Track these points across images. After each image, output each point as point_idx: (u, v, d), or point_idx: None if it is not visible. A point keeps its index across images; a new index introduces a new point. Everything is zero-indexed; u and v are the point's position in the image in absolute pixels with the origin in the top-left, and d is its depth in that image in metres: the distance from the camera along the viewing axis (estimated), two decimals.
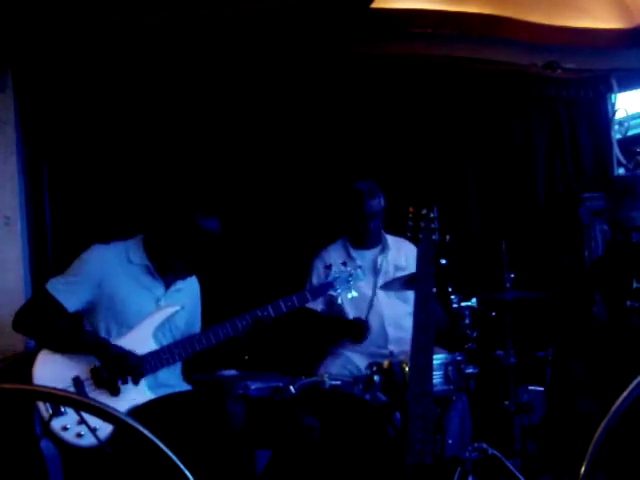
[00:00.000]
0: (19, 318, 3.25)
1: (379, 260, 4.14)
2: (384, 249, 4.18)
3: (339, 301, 3.68)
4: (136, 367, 3.17)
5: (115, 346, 3.18)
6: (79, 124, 4.54)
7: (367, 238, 4.13)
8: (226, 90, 4.71)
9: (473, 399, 3.79)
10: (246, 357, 3.57)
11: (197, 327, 3.55)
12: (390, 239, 4.19)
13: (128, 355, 3.16)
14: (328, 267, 3.66)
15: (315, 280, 4.05)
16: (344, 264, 3.68)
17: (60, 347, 3.17)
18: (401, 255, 4.16)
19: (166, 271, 3.39)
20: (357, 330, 4.00)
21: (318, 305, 4.05)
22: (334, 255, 4.12)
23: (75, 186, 4.53)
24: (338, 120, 4.88)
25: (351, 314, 4.07)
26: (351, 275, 3.60)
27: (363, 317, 4.03)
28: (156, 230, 3.39)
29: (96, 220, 4.46)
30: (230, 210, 4.56)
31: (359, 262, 4.03)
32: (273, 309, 3.39)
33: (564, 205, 5.08)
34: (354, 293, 3.62)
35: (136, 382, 3.17)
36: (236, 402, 3.16)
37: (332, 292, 3.61)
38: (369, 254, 4.18)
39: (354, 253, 4.16)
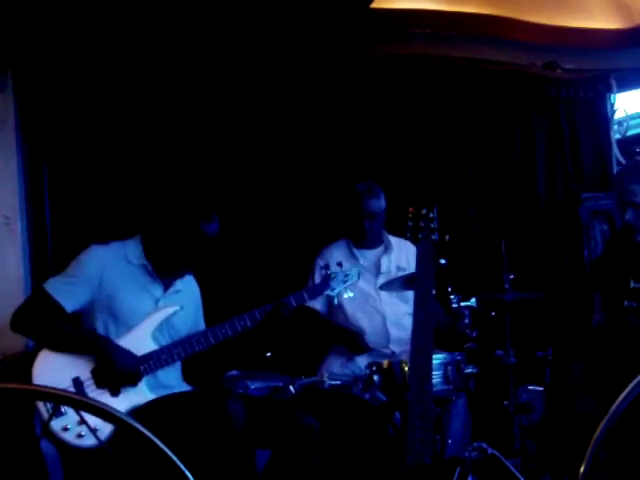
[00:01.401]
0: (17, 318, 3.24)
1: (382, 260, 4.15)
2: (387, 249, 4.18)
3: (335, 302, 3.69)
4: (133, 371, 3.16)
5: (114, 346, 3.17)
6: (79, 124, 4.54)
7: (367, 238, 4.14)
8: (226, 90, 4.71)
9: (473, 399, 3.79)
10: (268, 354, 3.58)
11: (201, 327, 3.55)
12: (393, 239, 4.19)
13: (125, 358, 3.16)
14: (325, 267, 3.67)
15: (316, 279, 4.06)
16: (339, 264, 3.68)
17: (59, 347, 3.17)
18: (403, 256, 4.16)
19: (164, 271, 3.39)
20: (352, 342, 4.01)
21: (317, 304, 4.05)
22: (336, 254, 4.12)
23: (75, 186, 4.52)
24: (338, 120, 4.88)
25: (353, 313, 4.07)
26: (347, 275, 3.61)
27: (366, 318, 4.04)
28: (157, 234, 3.39)
29: (96, 220, 4.46)
30: (233, 209, 4.57)
31: (362, 261, 4.04)
32: (270, 307, 3.40)
33: (564, 205, 5.08)
34: (350, 293, 3.62)
35: (134, 384, 3.18)
36: (236, 402, 3.16)
37: (329, 292, 3.61)
38: (372, 254, 4.18)
39: (357, 252, 4.16)
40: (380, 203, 4.10)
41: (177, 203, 3.42)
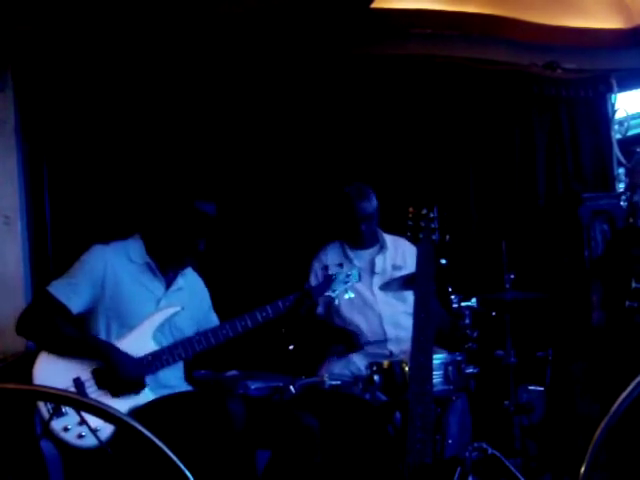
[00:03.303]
0: (22, 322, 3.23)
1: (377, 260, 4.14)
2: (382, 248, 4.17)
3: (336, 302, 3.69)
4: (137, 379, 3.17)
5: (118, 354, 3.17)
6: (79, 124, 4.54)
7: (362, 240, 4.12)
8: (224, 91, 4.70)
9: (473, 399, 3.79)
10: (290, 347, 3.60)
11: (212, 320, 3.54)
12: (388, 238, 4.18)
13: (129, 366, 3.16)
14: (325, 269, 3.66)
15: (313, 281, 4.04)
16: (340, 265, 3.67)
17: (63, 352, 3.15)
18: (398, 254, 4.15)
19: (166, 266, 3.39)
20: (349, 341, 4.00)
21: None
22: (332, 256, 4.11)
23: (75, 186, 4.52)
24: (338, 120, 4.88)
25: (349, 314, 4.07)
26: (348, 276, 3.61)
27: (363, 318, 4.03)
28: (156, 223, 3.39)
29: (96, 220, 4.46)
30: (230, 209, 4.57)
31: (356, 262, 4.03)
32: (272, 309, 3.40)
33: (564, 205, 5.08)
34: (351, 294, 3.62)
35: (137, 392, 3.17)
36: (236, 402, 3.16)
37: (330, 293, 3.61)
38: (366, 254, 4.17)
39: (351, 253, 4.14)
40: (372, 204, 4.07)
41: (172, 185, 3.42)
